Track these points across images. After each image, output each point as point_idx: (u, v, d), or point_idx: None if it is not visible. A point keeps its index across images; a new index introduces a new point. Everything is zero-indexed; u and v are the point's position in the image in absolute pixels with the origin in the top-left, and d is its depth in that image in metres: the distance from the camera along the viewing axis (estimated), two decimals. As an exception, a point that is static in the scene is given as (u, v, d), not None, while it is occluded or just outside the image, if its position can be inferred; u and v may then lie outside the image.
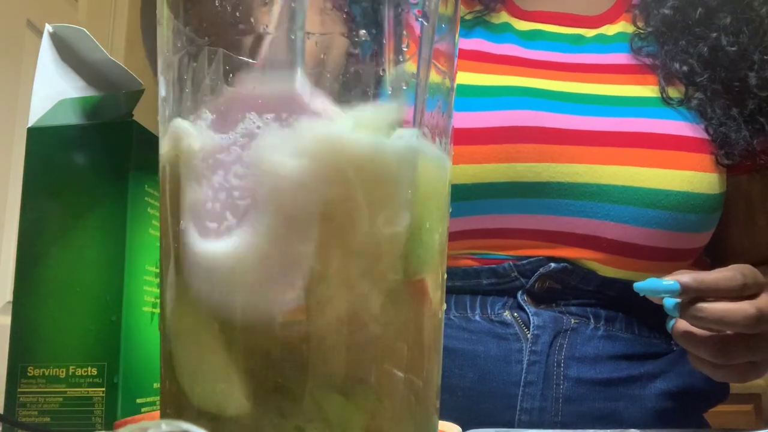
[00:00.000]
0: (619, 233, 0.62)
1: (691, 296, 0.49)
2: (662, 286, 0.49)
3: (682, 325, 0.51)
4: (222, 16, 0.26)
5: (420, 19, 0.27)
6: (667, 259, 0.64)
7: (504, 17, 0.74)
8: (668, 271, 0.54)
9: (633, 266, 0.64)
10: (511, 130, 0.63)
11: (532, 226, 0.63)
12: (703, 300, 0.49)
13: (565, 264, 0.63)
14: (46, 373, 0.40)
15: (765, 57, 0.66)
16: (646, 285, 0.49)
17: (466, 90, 0.66)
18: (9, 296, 1.53)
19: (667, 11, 0.68)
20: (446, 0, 0.28)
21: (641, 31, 0.70)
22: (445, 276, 0.30)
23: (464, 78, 0.67)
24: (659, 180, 0.62)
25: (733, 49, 0.65)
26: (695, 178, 0.62)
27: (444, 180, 0.30)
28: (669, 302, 0.50)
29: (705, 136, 0.65)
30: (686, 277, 0.49)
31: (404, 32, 0.26)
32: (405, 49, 0.26)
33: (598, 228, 0.62)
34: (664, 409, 0.63)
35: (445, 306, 0.30)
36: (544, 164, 0.62)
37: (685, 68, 0.67)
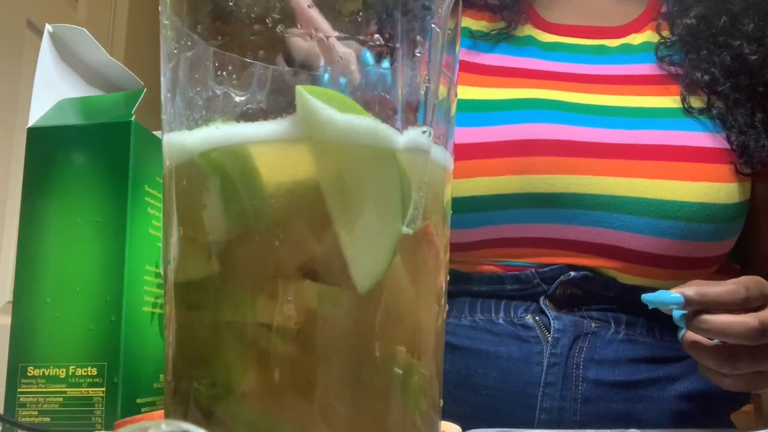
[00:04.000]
0: (636, 243, 0.63)
1: (695, 308, 0.49)
2: (668, 298, 0.50)
3: (690, 335, 0.52)
4: (238, 15, 0.26)
5: (432, 24, 0.27)
6: (686, 267, 0.64)
7: (528, 30, 0.75)
8: (689, 279, 0.55)
9: (652, 274, 0.65)
10: (525, 143, 0.65)
11: (550, 235, 0.65)
12: (708, 312, 0.49)
13: (586, 272, 0.64)
14: (46, 373, 0.40)
15: None
16: (654, 297, 0.51)
17: (484, 105, 0.68)
18: (9, 296, 1.53)
19: (691, 20, 0.69)
20: (456, 7, 0.28)
21: (666, 40, 0.71)
22: (448, 277, 0.30)
23: (482, 93, 0.69)
24: (673, 191, 0.63)
25: (755, 57, 0.66)
26: (711, 188, 0.63)
27: (446, 183, 0.30)
28: (677, 314, 0.51)
29: (725, 145, 0.65)
30: (690, 290, 0.49)
31: (418, 37, 0.26)
32: (418, 54, 0.27)
33: (615, 238, 0.64)
34: (683, 411, 0.63)
35: (447, 308, 0.30)
36: (558, 176, 0.64)
37: (707, 77, 0.67)
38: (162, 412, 0.31)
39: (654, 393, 0.63)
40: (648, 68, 0.70)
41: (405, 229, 0.26)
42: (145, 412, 0.42)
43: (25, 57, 1.56)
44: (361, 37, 0.26)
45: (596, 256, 0.65)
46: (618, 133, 0.65)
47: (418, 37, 0.27)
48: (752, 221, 0.68)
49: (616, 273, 0.65)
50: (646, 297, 0.51)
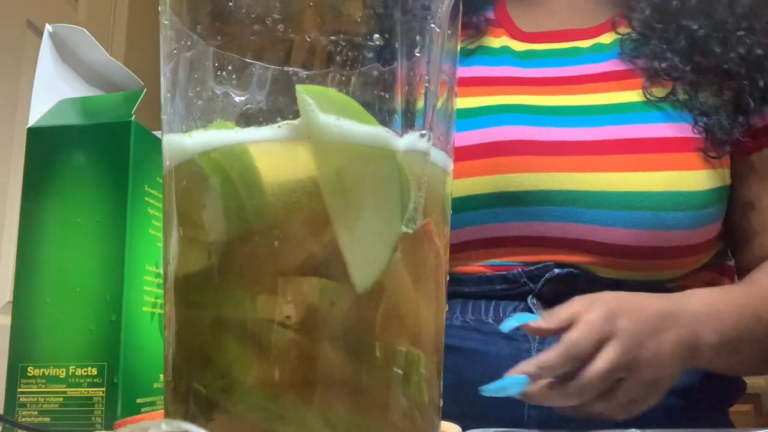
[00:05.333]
0: (606, 236, 0.65)
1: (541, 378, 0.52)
2: (509, 382, 0.52)
3: (531, 391, 0.54)
4: (238, 15, 0.26)
5: (432, 25, 0.27)
6: (662, 258, 0.65)
7: (504, 41, 0.77)
8: (671, 271, 0.60)
9: (631, 267, 0.66)
10: (494, 145, 0.68)
11: (527, 233, 0.67)
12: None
13: (570, 270, 0.66)
14: (46, 373, 0.40)
15: (739, 34, 0.67)
16: (494, 386, 0.53)
17: (457, 114, 0.69)
18: (9, 296, 1.53)
19: (645, 11, 0.71)
20: (456, 7, 0.28)
21: (630, 35, 0.73)
22: (448, 278, 0.30)
23: (458, 103, 0.70)
24: (637, 183, 0.64)
25: (702, 32, 0.67)
26: (675, 177, 0.64)
27: (446, 183, 0.30)
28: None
29: (690, 134, 0.66)
30: (528, 366, 0.52)
31: (417, 37, 0.26)
32: (417, 54, 0.27)
33: (586, 232, 0.65)
34: (672, 407, 0.63)
35: (447, 308, 0.30)
36: (525, 174, 0.67)
37: (665, 64, 0.68)
38: (162, 412, 0.31)
39: None
40: (615, 64, 0.72)
41: (404, 229, 0.26)
42: (145, 412, 0.42)
43: (25, 57, 1.56)
44: (360, 37, 0.26)
45: (572, 252, 0.66)
46: (582, 131, 0.67)
47: (417, 37, 0.27)
48: (739, 199, 0.69)
49: (595, 268, 0.66)
50: (486, 389, 0.53)
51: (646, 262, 0.65)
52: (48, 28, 0.46)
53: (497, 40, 0.77)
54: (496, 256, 0.69)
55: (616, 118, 0.68)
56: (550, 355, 0.52)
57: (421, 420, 0.27)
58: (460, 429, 0.36)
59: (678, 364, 0.57)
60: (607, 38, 0.74)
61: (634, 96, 0.69)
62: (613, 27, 0.74)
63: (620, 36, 0.73)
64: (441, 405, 0.30)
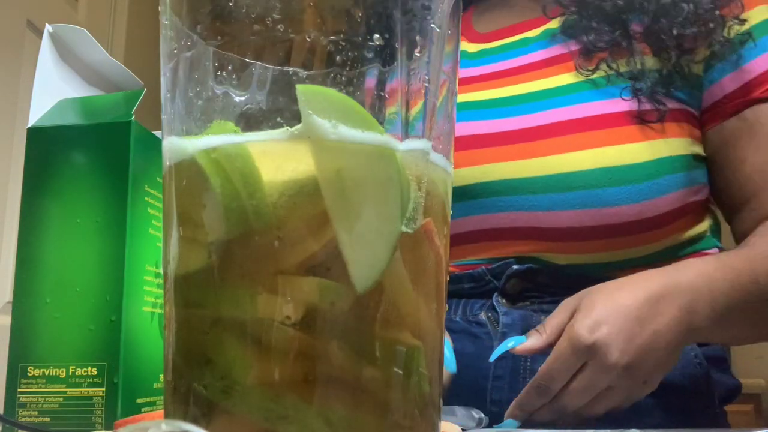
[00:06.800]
0: (551, 220, 0.65)
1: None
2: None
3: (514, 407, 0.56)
4: (238, 15, 0.26)
5: (432, 25, 0.27)
6: (611, 236, 0.65)
7: (461, 46, 0.79)
8: (629, 250, 0.61)
9: (582, 249, 0.65)
10: None
11: (482, 227, 0.68)
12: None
13: (529, 265, 0.67)
14: (46, 373, 0.40)
15: None
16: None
17: None
18: (9, 296, 1.53)
19: None
20: (456, 6, 0.28)
21: (567, 17, 0.73)
22: (448, 277, 0.30)
23: None
24: (573, 163, 0.64)
25: None
26: (608, 152, 0.64)
27: (446, 182, 0.30)
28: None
29: (625, 108, 0.66)
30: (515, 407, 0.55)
31: (418, 37, 0.26)
32: (417, 54, 0.27)
33: (531, 219, 0.66)
34: (645, 405, 0.63)
35: (447, 307, 0.30)
36: (467, 168, 0.68)
37: (592, 36, 0.69)
38: (162, 412, 0.31)
39: None
40: (557, 49, 0.72)
41: (404, 229, 0.26)
42: (145, 412, 0.42)
43: (25, 57, 1.56)
44: (360, 37, 0.26)
45: (527, 241, 0.67)
46: (519, 119, 0.69)
47: (417, 37, 0.27)
48: (718, 167, 0.69)
49: (550, 256, 0.66)
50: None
51: (595, 243, 0.65)
52: (48, 28, 0.46)
53: None
54: (464, 254, 0.70)
55: (549, 102, 0.68)
56: (525, 394, 0.54)
57: (421, 420, 0.27)
58: (460, 429, 0.36)
59: (676, 347, 0.56)
60: (555, 23, 0.75)
61: (569, 78, 0.70)
62: (544, 12, 0.75)
63: (563, 18, 0.74)
64: (441, 405, 0.30)
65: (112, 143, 0.43)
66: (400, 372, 0.26)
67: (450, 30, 0.29)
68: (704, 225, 0.70)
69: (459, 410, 0.56)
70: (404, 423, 0.26)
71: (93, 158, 0.43)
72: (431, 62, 0.27)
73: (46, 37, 0.46)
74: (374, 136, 0.26)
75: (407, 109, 0.27)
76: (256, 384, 0.25)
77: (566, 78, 0.70)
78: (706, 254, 0.70)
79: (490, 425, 0.56)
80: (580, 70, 0.69)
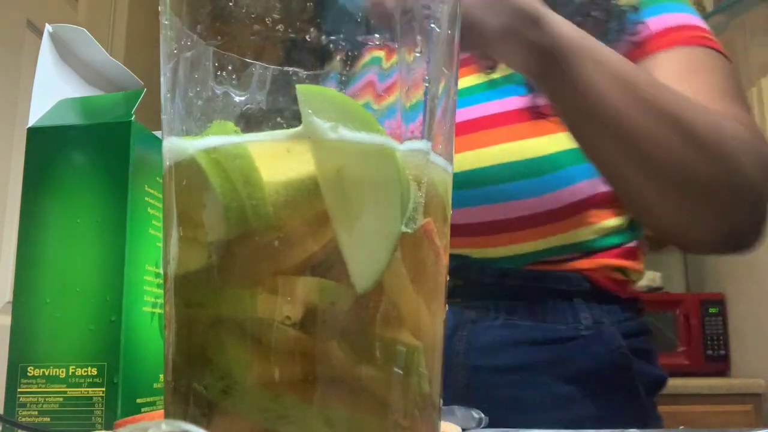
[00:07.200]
0: (464, 217, 0.66)
1: None
2: None
3: None
4: (238, 15, 0.26)
5: (432, 25, 0.27)
6: (527, 227, 0.65)
7: None
8: (551, 238, 0.61)
9: (499, 242, 0.66)
10: None
11: None
12: None
13: (461, 261, 0.67)
14: (46, 373, 0.40)
15: None
16: None
17: None
18: (9, 296, 1.53)
19: None
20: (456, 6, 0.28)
21: None
22: (448, 277, 0.30)
23: None
24: (476, 160, 0.65)
25: None
26: (511, 147, 0.65)
27: (446, 182, 0.30)
28: None
29: (523, 104, 0.66)
30: None
31: (418, 37, 0.26)
32: (417, 54, 0.27)
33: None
34: (568, 394, 0.64)
35: (447, 307, 0.30)
36: None
37: None
38: (162, 412, 0.31)
39: (538, 377, 0.64)
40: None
41: (404, 229, 0.26)
42: (145, 412, 0.42)
43: (25, 57, 1.56)
44: (361, 37, 0.26)
45: (459, 238, 0.66)
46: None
47: (418, 37, 0.27)
48: None
49: (468, 251, 0.67)
50: None
51: (508, 236, 0.66)
52: (48, 28, 0.46)
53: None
54: None
55: (461, 102, 0.68)
56: None
57: (421, 420, 0.27)
58: (460, 429, 0.36)
59: (508, 8, 0.51)
60: None
61: (472, 79, 0.70)
62: None
63: None
64: (441, 405, 0.30)
65: (112, 143, 0.43)
66: (400, 372, 0.26)
67: (450, 30, 0.29)
68: (622, 218, 0.69)
69: (459, 410, 0.56)
70: (404, 423, 0.26)
71: (93, 158, 0.43)
72: (431, 62, 0.27)
73: (46, 37, 0.46)
74: (374, 136, 0.26)
75: (407, 109, 0.27)
76: (256, 384, 0.25)
77: (469, 80, 0.71)
78: (627, 249, 0.70)
79: (490, 425, 0.56)
80: (481, 70, 0.70)
